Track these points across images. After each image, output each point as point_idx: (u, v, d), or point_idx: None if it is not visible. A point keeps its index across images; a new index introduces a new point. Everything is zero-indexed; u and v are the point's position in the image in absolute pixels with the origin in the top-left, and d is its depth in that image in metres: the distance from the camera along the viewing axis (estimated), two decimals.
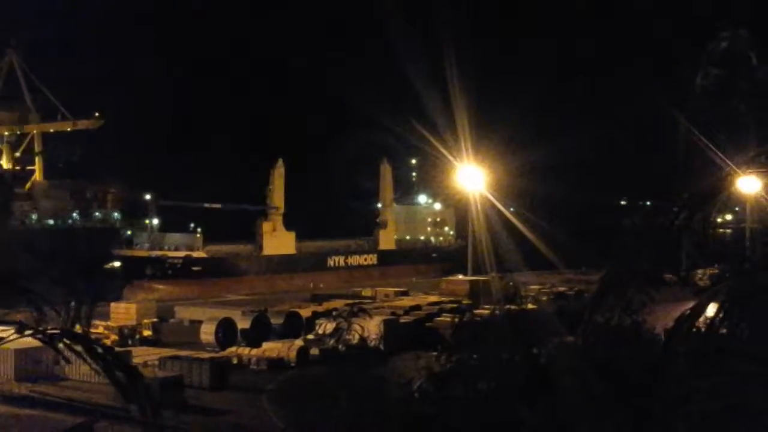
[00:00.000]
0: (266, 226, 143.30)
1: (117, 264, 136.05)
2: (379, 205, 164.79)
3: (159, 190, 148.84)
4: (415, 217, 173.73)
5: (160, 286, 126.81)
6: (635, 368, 16.78)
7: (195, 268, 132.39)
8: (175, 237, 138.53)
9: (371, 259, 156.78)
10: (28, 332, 15.70)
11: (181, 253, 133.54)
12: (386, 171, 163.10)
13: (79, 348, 15.41)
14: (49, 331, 15.45)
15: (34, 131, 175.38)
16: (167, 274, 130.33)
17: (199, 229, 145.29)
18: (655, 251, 16.03)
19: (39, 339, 15.93)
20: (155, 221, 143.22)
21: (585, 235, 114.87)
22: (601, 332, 18.35)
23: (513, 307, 24.60)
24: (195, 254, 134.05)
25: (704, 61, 15.30)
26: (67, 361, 64.32)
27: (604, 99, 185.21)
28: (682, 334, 15.26)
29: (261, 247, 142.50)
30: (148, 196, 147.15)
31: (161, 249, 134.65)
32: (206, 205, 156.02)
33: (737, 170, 16.07)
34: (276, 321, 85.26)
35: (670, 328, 15.91)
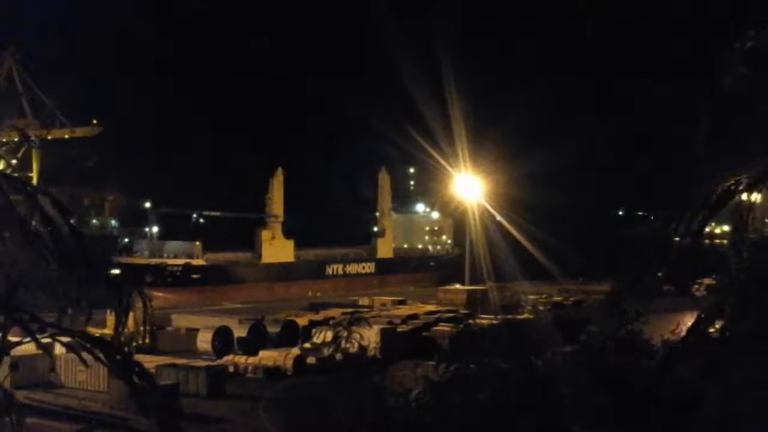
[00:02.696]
0: (265, 234, 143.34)
1: (115, 271, 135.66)
2: (377, 214, 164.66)
3: (158, 198, 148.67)
4: (413, 225, 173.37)
5: (160, 294, 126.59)
6: (635, 376, 16.74)
7: (194, 276, 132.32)
8: (174, 245, 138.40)
9: (369, 267, 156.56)
10: (47, 334, 15.61)
11: (181, 261, 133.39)
12: (384, 180, 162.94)
13: (98, 352, 15.32)
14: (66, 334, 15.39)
15: (32, 138, 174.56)
16: (167, 282, 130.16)
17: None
18: (661, 262, 15.94)
19: (59, 341, 15.88)
20: (155, 229, 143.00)
21: (583, 244, 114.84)
22: (598, 342, 18.32)
23: (511, 316, 24.59)
24: (194, 262, 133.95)
25: (731, 60, 15.11)
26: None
27: (605, 105, 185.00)
28: (689, 344, 15.20)
29: (260, 255, 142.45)
30: (147, 204, 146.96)
31: (161, 257, 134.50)
32: (205, 213, 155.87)
33: (746, 179, 15.90)
34: (273, 329, 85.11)
35: (682, 337, 15.83)
